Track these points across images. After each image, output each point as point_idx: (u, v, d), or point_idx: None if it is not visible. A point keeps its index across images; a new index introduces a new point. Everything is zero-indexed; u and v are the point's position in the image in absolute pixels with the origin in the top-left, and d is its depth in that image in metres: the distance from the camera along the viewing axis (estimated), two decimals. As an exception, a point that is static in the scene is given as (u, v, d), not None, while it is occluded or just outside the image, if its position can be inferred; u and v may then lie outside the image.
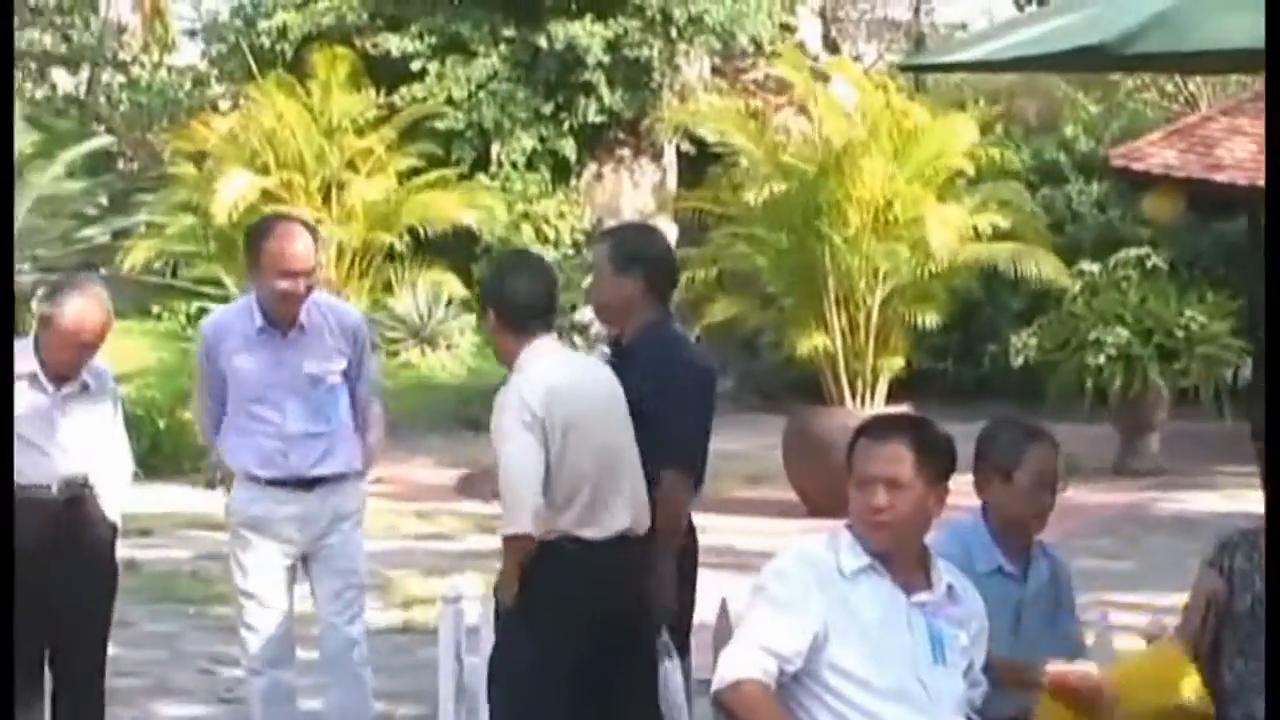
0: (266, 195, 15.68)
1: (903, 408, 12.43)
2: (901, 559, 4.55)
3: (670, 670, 5.70)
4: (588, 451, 5.65)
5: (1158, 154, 18.47)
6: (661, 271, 6.09)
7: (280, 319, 6.65)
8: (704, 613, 6.15)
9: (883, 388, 14.48)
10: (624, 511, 5.76)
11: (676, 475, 5.86)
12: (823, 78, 15.77)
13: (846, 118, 14.51)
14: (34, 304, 19.04)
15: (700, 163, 19.15)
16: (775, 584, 4.52)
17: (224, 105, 24.68)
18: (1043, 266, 14.92)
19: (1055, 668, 4.93)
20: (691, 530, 6.09)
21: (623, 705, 5.79)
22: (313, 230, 6.92)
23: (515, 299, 5.77)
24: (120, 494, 6.84)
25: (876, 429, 4.69)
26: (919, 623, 4.51)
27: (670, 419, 5.82)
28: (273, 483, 6.72)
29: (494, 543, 12.02)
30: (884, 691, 4.42)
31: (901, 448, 4.56)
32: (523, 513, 5.57)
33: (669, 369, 5.95)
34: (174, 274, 19.87)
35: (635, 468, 5.84)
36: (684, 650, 5.95)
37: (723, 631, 5.94)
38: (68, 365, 6.59)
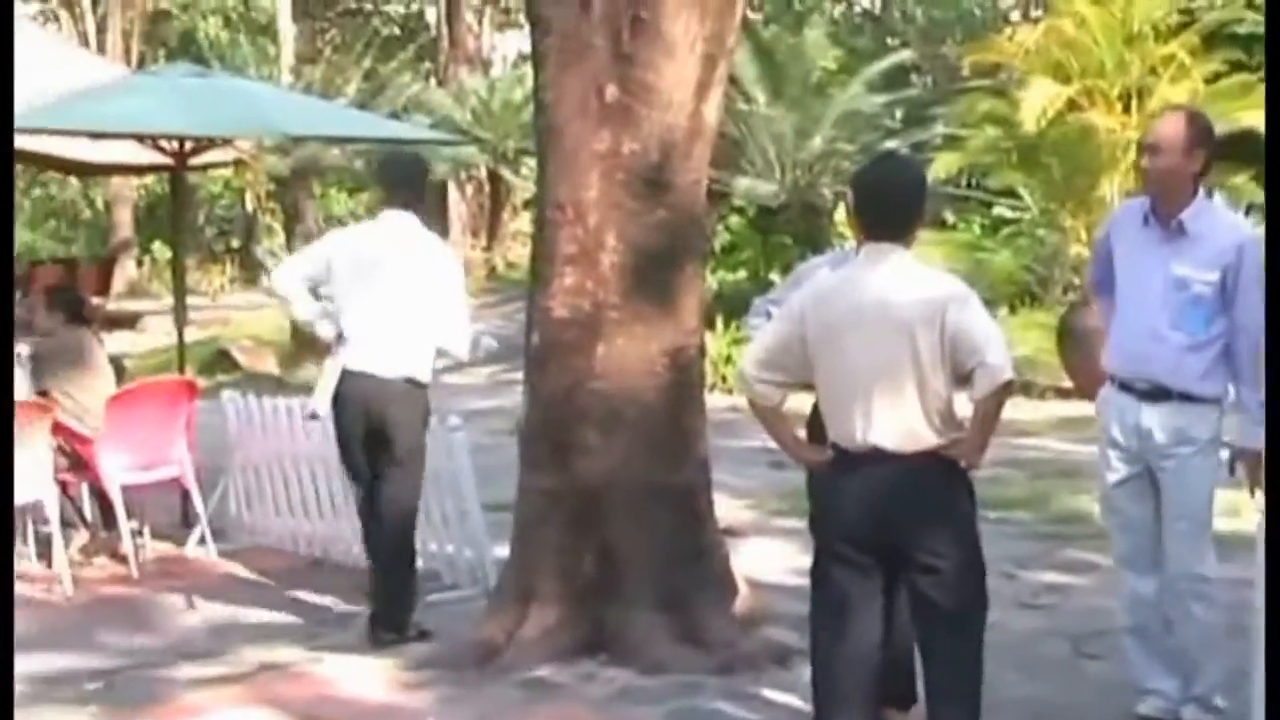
0: (1070, 104, 15.63)
1: None
2: None
3: None
4: None
5: None
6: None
7: (1159, 212, 6.20)
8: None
9: None
10: None
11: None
12: None
13: None
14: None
15: None
16: None
17: (1014, 17, 24.74)
18: None
19: None
20: None
21: None
22: (1193, 120, 6.19)
23: None
24: None
25: None
26: None
27: None
28: (1122, 385, 6.32)
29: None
30: None
31: None
32: None
33: None
34: (968, 185, 20.06)
35: None
36: None
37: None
38: None
